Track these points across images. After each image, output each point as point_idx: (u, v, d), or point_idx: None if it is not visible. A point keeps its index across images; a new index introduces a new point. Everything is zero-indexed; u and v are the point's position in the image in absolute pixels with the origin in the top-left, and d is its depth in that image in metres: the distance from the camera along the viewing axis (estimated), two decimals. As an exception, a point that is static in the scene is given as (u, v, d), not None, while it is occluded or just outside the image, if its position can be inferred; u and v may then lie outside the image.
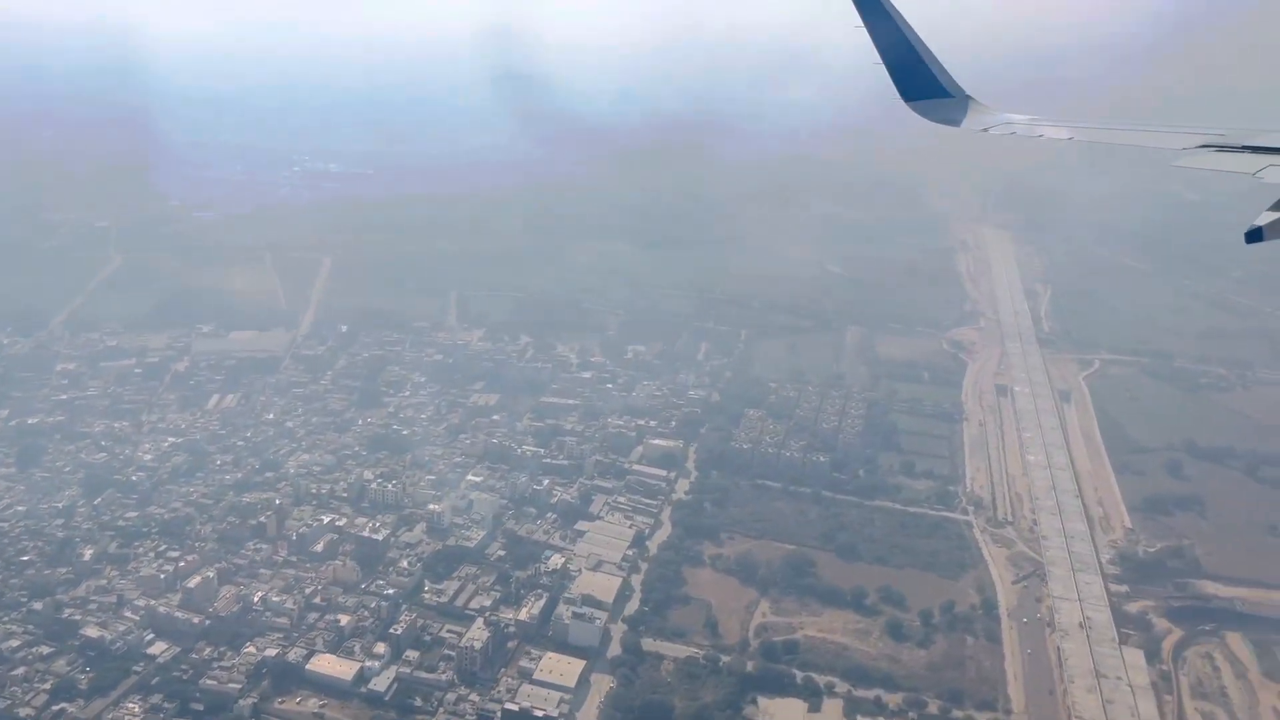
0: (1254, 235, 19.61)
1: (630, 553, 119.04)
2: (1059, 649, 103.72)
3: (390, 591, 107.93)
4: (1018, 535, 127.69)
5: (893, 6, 34.63)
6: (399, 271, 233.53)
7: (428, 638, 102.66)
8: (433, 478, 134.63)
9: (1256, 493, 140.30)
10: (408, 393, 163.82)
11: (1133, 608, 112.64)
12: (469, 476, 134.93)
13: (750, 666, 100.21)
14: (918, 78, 35.86)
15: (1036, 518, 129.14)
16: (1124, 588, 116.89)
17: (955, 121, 35.83)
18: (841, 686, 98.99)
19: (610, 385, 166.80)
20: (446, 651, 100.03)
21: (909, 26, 34.99)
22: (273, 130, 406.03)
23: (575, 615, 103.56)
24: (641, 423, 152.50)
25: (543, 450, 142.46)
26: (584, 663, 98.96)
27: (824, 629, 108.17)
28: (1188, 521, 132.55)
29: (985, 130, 34.42)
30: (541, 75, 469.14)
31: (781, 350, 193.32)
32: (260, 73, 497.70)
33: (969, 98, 36.75)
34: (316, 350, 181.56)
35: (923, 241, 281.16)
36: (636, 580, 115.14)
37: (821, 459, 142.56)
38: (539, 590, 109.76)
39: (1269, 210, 20.27)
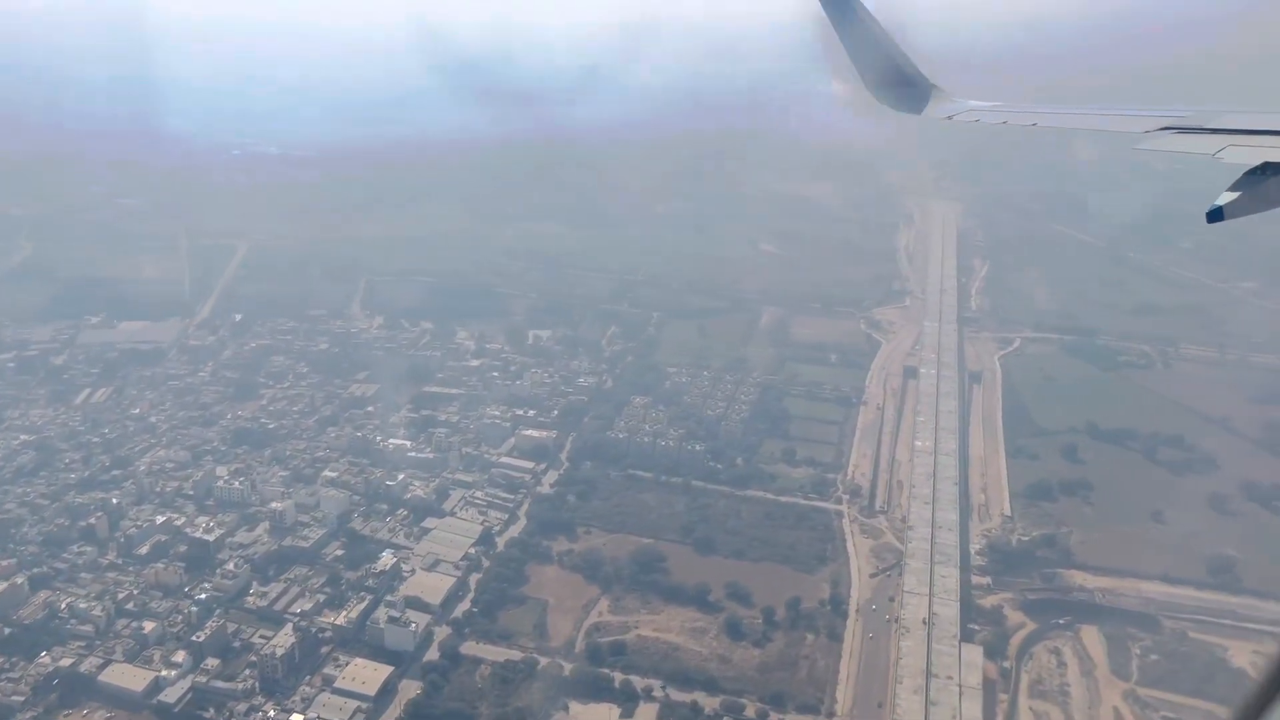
0: (1214, 215, 19.99)
1: (474, 551, 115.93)
2: (898, 647, 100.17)
3: (203, 596, 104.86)
4: (889, 526, 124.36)
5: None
6: (314, 257, 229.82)
7: (237, 644, 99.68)
8: (286, 474, 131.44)
9: (1150, 477, 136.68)
10: (287, 384, 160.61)
11: (989, 601, 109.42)
12: (325, 472, 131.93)
13: (569, 670, 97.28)
14: (885, 69, 36.05)
15: (910, 507, 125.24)
16: (986, 579, 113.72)
17: (918, 110, 36.08)
18: (662, 689, 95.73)
19: (496, 374, 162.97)
20: (252, 658, 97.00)
21: (873, 19, 35.06)
22: (219, 115, 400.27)
23: (390, 619, 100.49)
24: (520, 413, 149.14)
25: (409, 443, 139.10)
26: (391, 669, 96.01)
27: (659, 628, 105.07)
28: (1071, 508, 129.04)
29: (950, 118, 34.61)
30: (492, 56, 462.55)
31: (691, 333, 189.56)
32: (202, 60, 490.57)
33: (933, 86, 36.76)
34: (206, 340, 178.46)
35: (867, 217, 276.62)
36: (475, 580, 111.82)
37: (698, 448, 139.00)
38: (364, 593, 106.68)
39: (1228, 190, 20.60)
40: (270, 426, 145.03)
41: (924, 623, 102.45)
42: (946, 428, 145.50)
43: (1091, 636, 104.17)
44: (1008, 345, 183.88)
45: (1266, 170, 20.52)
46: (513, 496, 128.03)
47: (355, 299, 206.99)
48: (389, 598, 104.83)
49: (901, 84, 36.28)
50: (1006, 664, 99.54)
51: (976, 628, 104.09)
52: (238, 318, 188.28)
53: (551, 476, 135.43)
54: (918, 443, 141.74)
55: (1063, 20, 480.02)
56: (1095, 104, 32.66)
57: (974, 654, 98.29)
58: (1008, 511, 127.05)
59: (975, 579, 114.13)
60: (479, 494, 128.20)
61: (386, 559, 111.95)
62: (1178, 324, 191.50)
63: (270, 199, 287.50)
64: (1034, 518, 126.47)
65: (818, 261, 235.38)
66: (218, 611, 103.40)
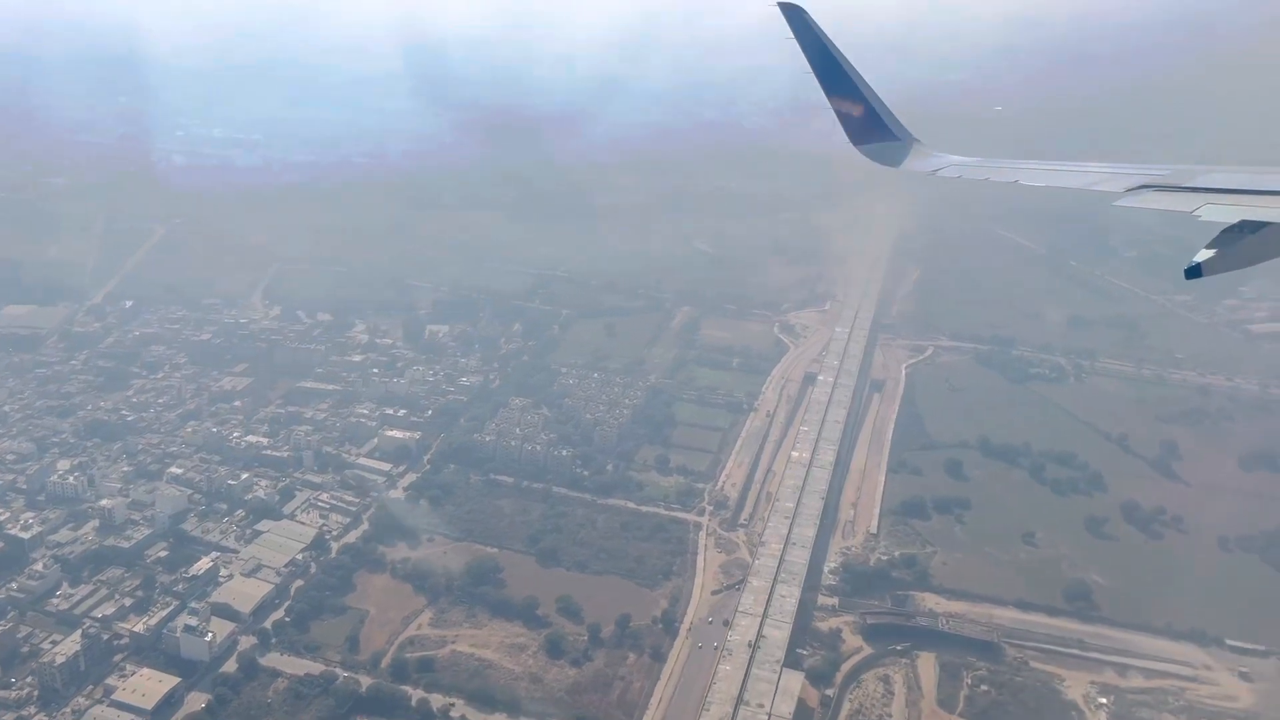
0: (1193, 272, 21.39)
1: (302, 556, 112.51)
2: (715, 670, 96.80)
3: (2, 597, 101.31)
4: (746, 541, 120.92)
5: (840, 53, 36.31)
6: (230, 243, 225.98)
7: (26, 649, 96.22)
8: (130, 469, 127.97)
9: (1031, 496, 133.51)
10: (160, 375, 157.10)
11: (829, 624, 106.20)
12: (172, 469, 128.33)
13: (365, 687, 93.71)
14: (865, 122, 37.79)
15: (770, 521, 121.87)
16: (834, 600, 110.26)
17: (898, 163, 37.90)
18: (463, 709, 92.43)
19: (377, 370, 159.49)
20: (34, 665, 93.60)
21: (856, 72, 36.67)
22: (169, 94, 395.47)
23: (186, 628, 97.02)
24: (391, 412, 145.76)
25: (265, 441, 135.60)
26: (178, 681, 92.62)
27: (478, 644, 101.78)
28: (942, 527, 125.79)
29: (934, 173, 36.03)
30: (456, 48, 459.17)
31: (597, 333, 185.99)
32: (165, 39, 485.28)
33: (915, 140, 38.59)
34: (90, 327, 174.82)
35: (810, 217, 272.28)
36: (297, 587, 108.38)
37: (564, 453, 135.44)
38: (172, 598, 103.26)
39: (1206, 248, 21.89)
40: (129, 419, 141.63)
41: (749, 645, 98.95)
42: (829, 438, 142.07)
43: (927, 664, 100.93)
44: (920, 353, 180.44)
45: (1244, 228, 21.39)
46: (360, 500, 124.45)
47: (259, 288, 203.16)
48: (194, 604, 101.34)
49: (882, 137, 38.13)
50: (830, 692, 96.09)
51: (807, 652, 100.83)
52: (128, 304, 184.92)
53: (410, 479, 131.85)
54: (794, 453, 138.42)
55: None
56: (1075, 162, 33.24)
57: (794, 681, 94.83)
58: (874, 529, 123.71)
59: (822, 599, 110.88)
60: (325, 496, 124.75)
61: (203, 563, 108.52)
62: (1102, 336, 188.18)
63: (199, 181, 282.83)
64: (900, 536, 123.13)
65: (750, 262, 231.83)
66: (11, 614, 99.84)
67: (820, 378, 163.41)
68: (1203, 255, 21.75)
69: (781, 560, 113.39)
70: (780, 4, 35.98)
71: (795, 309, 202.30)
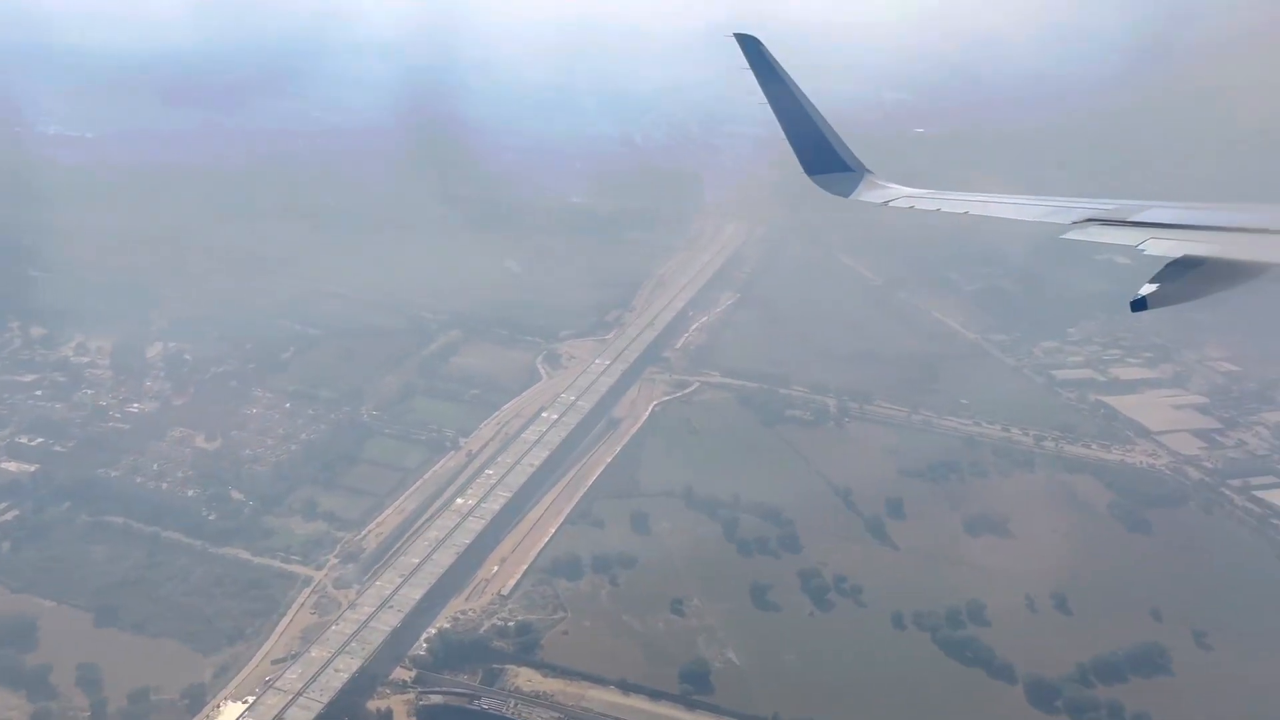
0: (1139, 305, 22.48)
1: None
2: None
3: None
4: (356, 599, 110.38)
5: (793, 83, 38.26)
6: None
7: None
8: None
9: (709, 556, 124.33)
10: None
11: (381, 704, 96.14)
12: None
13: None
14: (819, 152, 39.61)
15: (378, 580, 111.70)
16: (412, 673, 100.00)
17: (847, 193, 39.38)
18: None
19: (40, 392, 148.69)
20: None
21: (810, 103, 38.77)
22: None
23: None
24: (25, 440, 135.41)
25: None
26: None
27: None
28: (589, 590, 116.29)
29: (884, 204, 37.42)
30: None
31: (332, 356, 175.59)
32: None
33: (868, 171, 40.37)
34: None
35: (653, 238, 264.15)
36: None
37: (190, 493, 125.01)
38: None
39: (1150, 281, 22.93)
40: None
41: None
42: (510, 484, 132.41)
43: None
44: (682, 389, 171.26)
45: (1186, 263, 23.07)
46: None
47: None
48: None
49: (835, 168, 39.80)
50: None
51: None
52: None
53: (10, 518, 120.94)
54: (459, 500, 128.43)
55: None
56: (1025, 195, 34.63)
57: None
58: (507, 591, 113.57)
59: (400, 673, 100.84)
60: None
61: None
62: (889, 377, 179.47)
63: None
64: (535, 599, 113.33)
65: (555, 283, 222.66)
66: None
67: (544, 414, 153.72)
68: (1147, 289, 22.56)
69: (364, 626, 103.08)
70: (736, 35, 37.86)
71: (576, 336, 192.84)
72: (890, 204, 37.29)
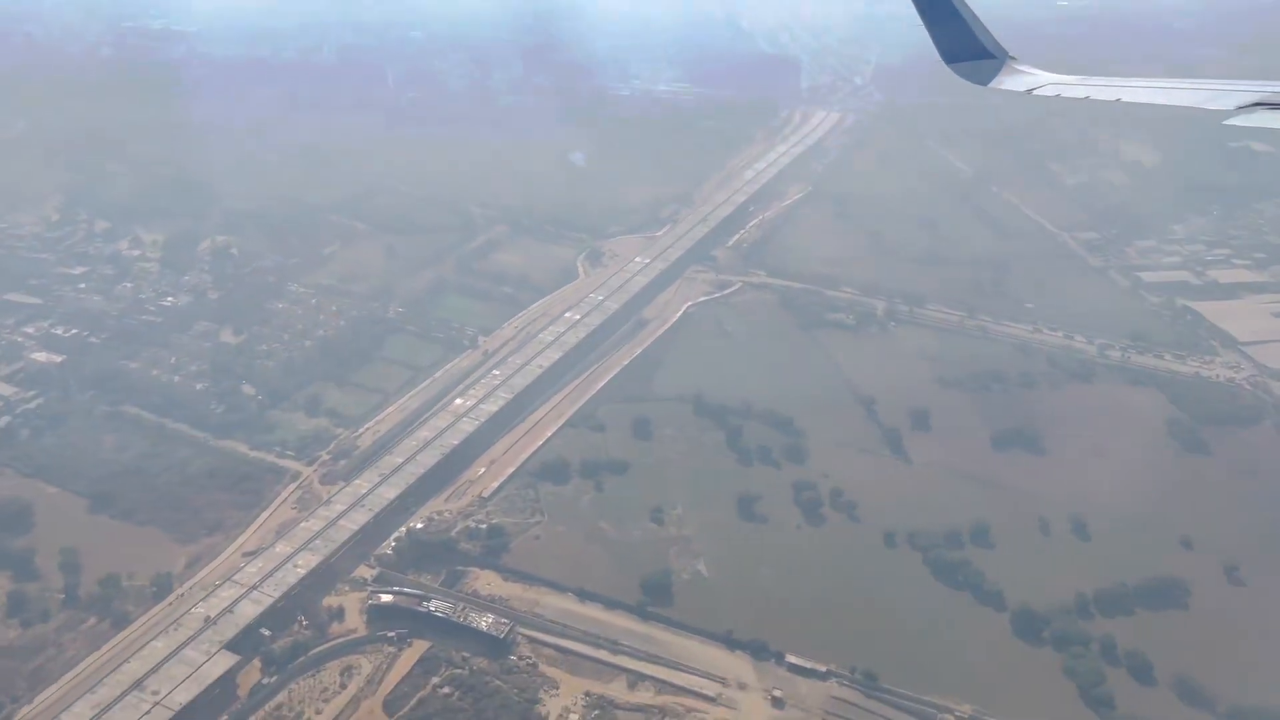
0: None
1: None
2: (146, 647, 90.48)
3: None
4: (331, 497, 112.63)
5: None
6: (67, 137, 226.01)
7: None
8: None
9: (707, 465, 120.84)
10: None
11: (336, 601, 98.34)
12: None
13: None
14: (958, 37, 37.69)
15: (359, 478, 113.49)
16: (375, 571, 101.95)
17: (987, 81, 37.95)
18: None
19: (83, 285, 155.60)
20: None
21: None
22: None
23: None
24: (60, 331, 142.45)
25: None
26: None
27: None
28: (572, 495, 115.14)
29: (1029, 91, 36.14)
30: None
31: (374, 253, 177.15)
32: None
33: (1011, 58, 38.40)
34: None
35: (730, 126, 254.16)
36: None
37: (199, 386, 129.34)
38: None
39: None
40: None
41: (206, 620, 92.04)
42: (515, 385, 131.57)
43: (411, 656, 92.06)
44: (723, 290, 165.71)
45: None
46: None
47: (64, 189, 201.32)
48: None
49: (977, 55, 37.80)
50: (268, 680, 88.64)
51: (269, 633, 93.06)
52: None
53: (34, 406, 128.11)
54: (458, 401, 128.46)
55: None
56: (1182, 79, 32.85)
57: (221, 664, 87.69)
58: (488, 493, 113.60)
59: (363, 571, 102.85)
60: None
61: None
62: (953, 278, 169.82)
63: (104, 73, 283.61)
64: (514, 503, 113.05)
65: (617, 176, 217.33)
66: None
67: (567, 314, 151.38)
68: None
69: (331, 524, 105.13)
70: None
71: (626, 233, 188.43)
72: (1034, 92, 35.80)
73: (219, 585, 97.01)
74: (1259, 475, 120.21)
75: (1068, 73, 37.18)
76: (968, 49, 37.78)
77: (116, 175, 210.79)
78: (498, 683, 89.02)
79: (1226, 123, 27.93)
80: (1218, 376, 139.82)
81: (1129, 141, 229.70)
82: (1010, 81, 37.16)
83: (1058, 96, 35.05)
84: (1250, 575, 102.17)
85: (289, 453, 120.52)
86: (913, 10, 38.61)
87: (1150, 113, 33.28)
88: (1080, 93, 34.13)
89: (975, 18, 37.77)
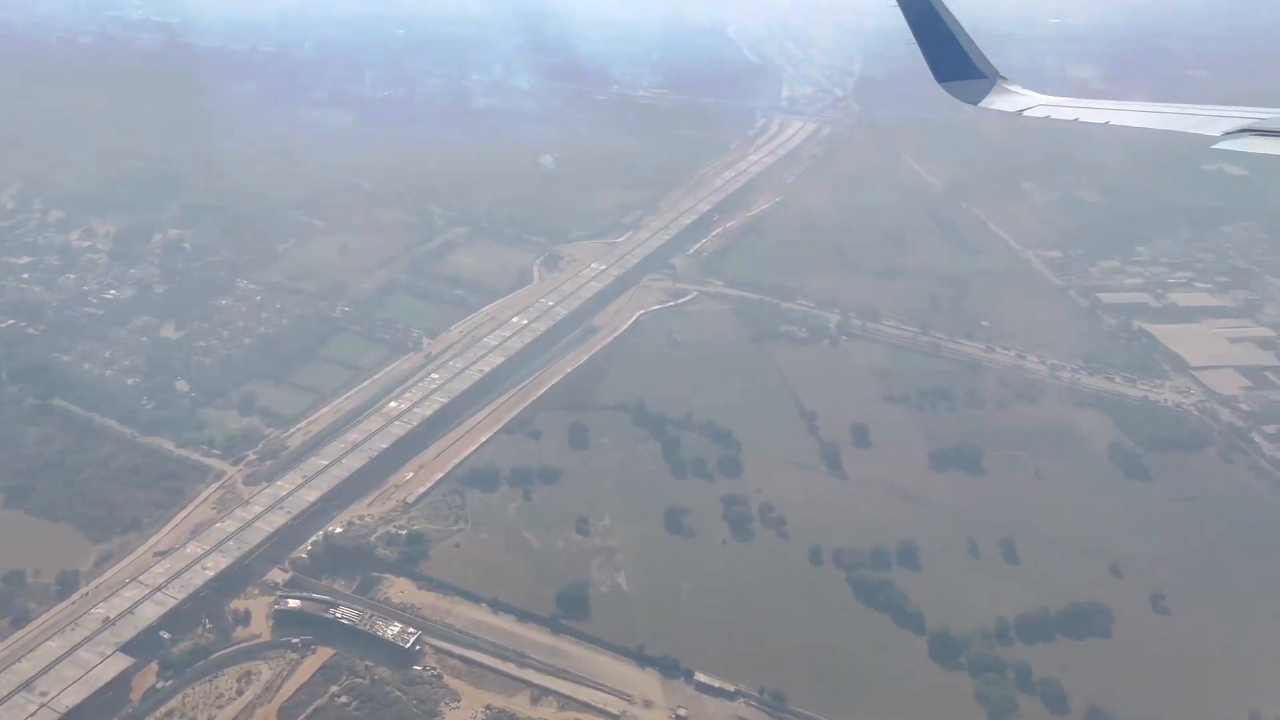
0: None
1: None
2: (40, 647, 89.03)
3: None
4: (250, 498, 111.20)
5: None
6: (38, 124, 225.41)
7: None
8: None
9: (640, 476, 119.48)
10: None
11: (243, 604, 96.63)
12: None
13: None
14: (951, 58, 37.92)
15: (280, 479, 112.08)
16: (287, 575, 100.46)
17: (977, 101, 38.37)
18: None
19: (26, 275, 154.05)
20: None
21: (943, 5, 37.03)
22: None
23: None
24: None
25: None
26: None
27: None
28: (498, 503, 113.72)
29: (1019, 112, 36.62)
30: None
31: (328, 250, 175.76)
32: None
33: (1002, 78, 38.72)
34: None
35: (705, 134, 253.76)
36: None
37: (130, 382, 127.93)
38: None
39: None
40: None
41: (105, 621, 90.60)
42: (451, 389, 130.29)
43: (314, 663, 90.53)
44: (678, 298, 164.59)
45: None
46: None
47: (23, 176, 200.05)
48: None
49: (968, 74, 38.07)
50: (162, 684, 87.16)
51: (169, 636, 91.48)
52: None
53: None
54: (392, 404, 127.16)
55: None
56: (1171, 102, 32.99)
57: (114, 666, 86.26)
58: (413, 498, 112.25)
59: (276, 575, 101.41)
60: None
61: None
62: (910, 293, 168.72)
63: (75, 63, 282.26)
64: (438, 510, 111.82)
65: (585, 180, 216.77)
66: None
67: (515, 319, 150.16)
68: None
69: (246, 526, 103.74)
70: None
71: (586, 238, 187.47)
72: (1025, 113, 36.05)
73: (125, 585, 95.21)
74: (1197, 502, 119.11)
75: (1057, 93, 37.61)
76: (960, 69, 38.01)
77: (79, 165, 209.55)
78: (398, 693, 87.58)
79: (1215, 147, 28.24)
80: (1166, 401, 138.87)
81: (1105, 160, 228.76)
82: (1001, 102, 37.62)
83: (1047, 118, 35.39)
84: (1175, 604, 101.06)
85: (215, 451, 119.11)
86: (905, 27, 38.67)
87: (1130, 132, 34.13)
88: (1070, 115, 34.44)
89: (968, 38, 37.94)
